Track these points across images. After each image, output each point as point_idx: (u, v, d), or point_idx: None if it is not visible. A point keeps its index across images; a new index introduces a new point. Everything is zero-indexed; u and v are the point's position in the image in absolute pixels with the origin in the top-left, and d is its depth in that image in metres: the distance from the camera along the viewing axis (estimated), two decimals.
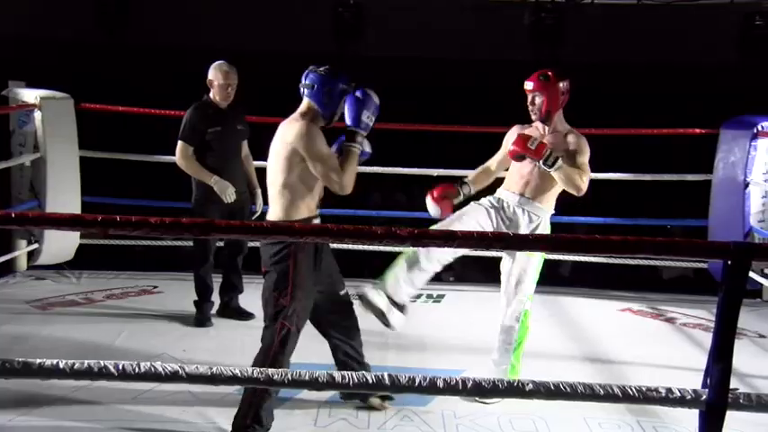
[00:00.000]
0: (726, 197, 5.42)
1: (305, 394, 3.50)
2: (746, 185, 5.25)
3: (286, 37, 8.94)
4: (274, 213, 3.21)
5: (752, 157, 5.25)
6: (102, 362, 1.96)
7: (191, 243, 4.89)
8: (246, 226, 1.98)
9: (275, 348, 3.09)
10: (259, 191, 4.64)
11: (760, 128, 5.22)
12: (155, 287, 5.25)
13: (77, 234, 5.34)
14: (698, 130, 5.72)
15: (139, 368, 1.92)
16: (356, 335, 3.46)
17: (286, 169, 3.17)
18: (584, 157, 3.55)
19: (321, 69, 3.28)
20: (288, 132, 3.20)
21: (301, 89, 3.29)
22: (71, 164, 5.35)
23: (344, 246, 4.85)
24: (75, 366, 1.87)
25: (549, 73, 3.58)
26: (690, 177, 5.85)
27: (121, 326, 4.39)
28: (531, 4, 7.12)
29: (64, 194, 5.25)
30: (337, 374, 1.93)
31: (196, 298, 4.56)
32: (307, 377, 1.91)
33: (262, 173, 3.58)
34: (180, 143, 4.40)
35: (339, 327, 3.42)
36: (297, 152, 3.15)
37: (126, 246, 5.89)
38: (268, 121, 4.59)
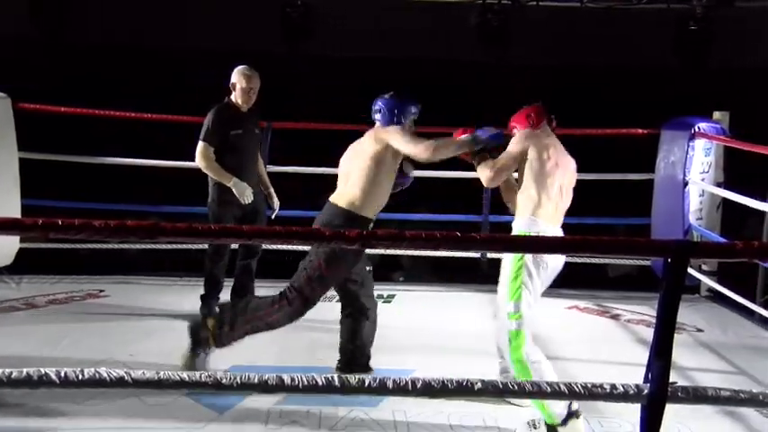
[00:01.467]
0: (666, 196, 5.57)
1: (256, 396, 3.48)
2: (685, 184, 5.39)
3: (234, 36, 8.86)
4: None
5: (690, 157, 5.40)
6: (42, 369, 1.92)
7: (137, 246, 4.82)
8: (194, 229, 1.96)
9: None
10: (272, 190, 4.77)
11: (697, 129, 5.37)
12: (101, 291, 5.15)
13: (17, 238, 5.20)
14: (640, 131, 5.87)
15: (83, 374, 1.88)
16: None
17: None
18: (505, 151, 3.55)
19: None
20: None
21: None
22: (9, 166, 5.21)
23: (295, 247, 4.84)
24: (13, 375, 1.82)
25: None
26: (633, 177, 5.99)
27: (66, 331, 4.30)
28: (477, 6, 7.19)
29: (1, 197, 5.11)
30: (286, 377, 1.92)
31: (203, 292, 4.63)
32: (256, 380, 1.90)
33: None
34: (201, 144, 4.47)
35: None
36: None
37: (70, 249, 5.76)
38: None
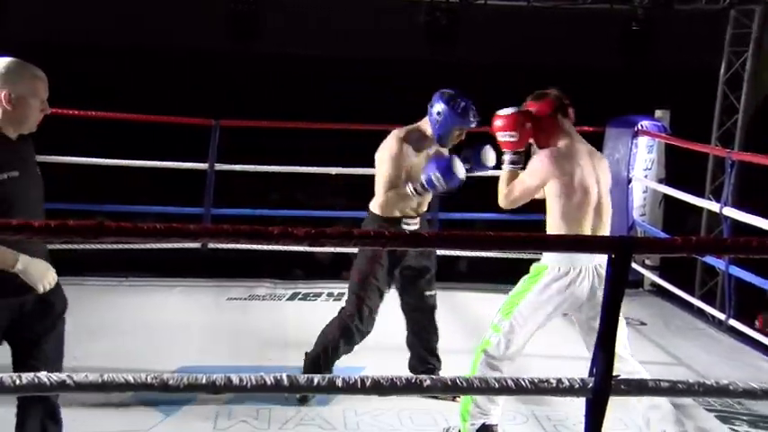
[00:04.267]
0: (611, 192, 5.67)
1: (205, 396, 3.44)
2: (629, 181, 5.51)
3: (181, 33, 8.74)
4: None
5: (633, 153, 5.53)
6: None
7: (80, 246, 4.71)
8: (140, 229, 1.92)
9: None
10: None
11: (640, 126, 5.49)
12: None
13: None
14: (586, 128, 5.98)
15: (20, 380, 1.83)
16: None
17: None
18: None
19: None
20: None
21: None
22: None
23: (241, 246, 4.80)
24: None
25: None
26: None
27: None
28: (425, 4, 7.23)
29: None
30: (235, 377, 1.90)
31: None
32: (204, 381, 1.87)
33: None
34: None
35: None
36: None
37: None
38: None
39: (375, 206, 3.62)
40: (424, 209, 3.69)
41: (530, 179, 3.10)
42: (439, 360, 3.80)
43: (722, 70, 6.98)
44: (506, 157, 3.16)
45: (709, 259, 5.31)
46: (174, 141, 7.37)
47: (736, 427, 3.53)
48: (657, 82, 8.70)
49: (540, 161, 3.09)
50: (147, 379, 1.87)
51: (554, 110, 3.15)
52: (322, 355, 3.64)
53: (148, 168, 5.97)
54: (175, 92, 9.49)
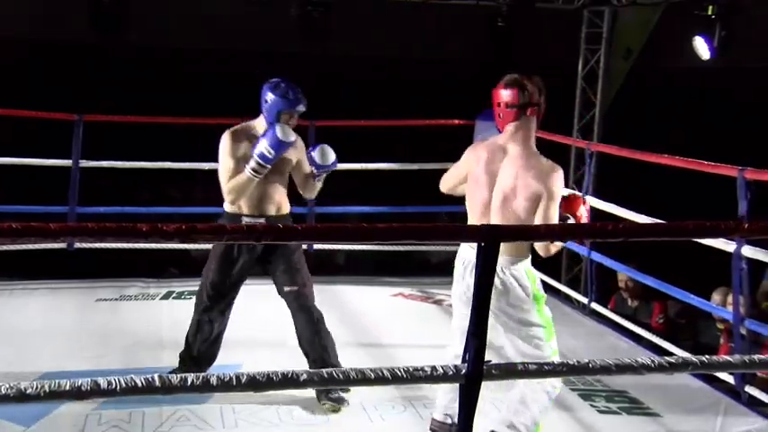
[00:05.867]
0: None
1: (72, 404, 3.29)
2: None
3: (41, 24, 8.30)
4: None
5: None
6: None
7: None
8: (31, 228, 1.81)
9: None
10: None
11: None
12: None
13: None
14: (456, 121, 6.16)
15: None
16: None
17: None
18: None
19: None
20: None
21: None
22: None
23: (109, 245, 4.62)
24: None
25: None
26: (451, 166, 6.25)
27: None
28: None
29: None
30: (102, 381, 1.83)
31: None
32: (67, 387, 1.79)
33: None
34: None
35: None
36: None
37: None
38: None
39: (225, 205, 3.67)
40: (271, 210, 3.63)
41: (455, 165, 3.17)
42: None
43: (580, 66, 7.36)
44: None
45: (574, 246, 5.58)
46: (38, 138, 7.01)
47: (595, 403, 3.75)
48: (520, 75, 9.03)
49: (467, 150, 3.16)
50: (1, 390, 1.76)
51: (513, 104, 3.02)
52: (185, 353, 3.74)
53: (8, 166, 5.63)
54: (35, 86, 9.01)
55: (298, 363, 3.74)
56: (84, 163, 5.41)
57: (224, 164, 3.59)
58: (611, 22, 7.19)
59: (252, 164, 3.47)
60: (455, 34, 8.95)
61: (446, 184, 3.25)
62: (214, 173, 3.73)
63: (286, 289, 3.65)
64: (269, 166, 3.48)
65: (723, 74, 9.48)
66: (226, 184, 3.58)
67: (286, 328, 4.50)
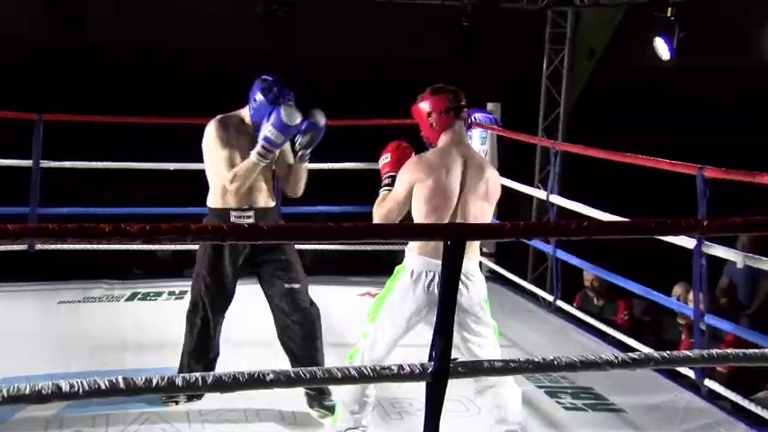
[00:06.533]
0: None
1: (33, 408, 3.23)
2: None
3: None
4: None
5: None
6: None
7: None
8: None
9: None
10: None
11: (473, 119, 5.71)
12: None
13: None
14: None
15: None
16: None
17: None
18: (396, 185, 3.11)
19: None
20: None
21: None
22: None
23: (72, 246, 4.55)
24: None
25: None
26: None
27: None
28: None
29: None
30: (64, 383, 1.79)
31: None
32: (27, 390, 1.75)
33: None
34: None
35: None
36: None
37: None
38: None
39: (210, 200, 3.56)
40: (260, 202, 3.53)
41: (398, 186, 3.05)
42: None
43: (544, 66, 7.43)
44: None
45: (540, 244, 5.63)
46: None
47: (561, 400, 3.79)
48: (488, 76, 9.09)
49: (405, 167, 3.06)
50: None
51: (447, 108, 3.10)
52: (186, 357, 3.61)
53: None
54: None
55: (269, 363, 3.73)
56: (45, 163, 5.32)
57: (218, 154, 3.44)
58: (575, 22, 7.28)
59: (258, 148, 3.36)
60: (423, 34, 8.99)
61: (394, 206, 3.07)
62: (191, 172, 3.65)
63: (286, 286, 3.50)
64: (276, 151, 3.40)
65: (683, 74, 9.66)
66: (225, 174, 3.42)
67: (253, 328, 4.49)
